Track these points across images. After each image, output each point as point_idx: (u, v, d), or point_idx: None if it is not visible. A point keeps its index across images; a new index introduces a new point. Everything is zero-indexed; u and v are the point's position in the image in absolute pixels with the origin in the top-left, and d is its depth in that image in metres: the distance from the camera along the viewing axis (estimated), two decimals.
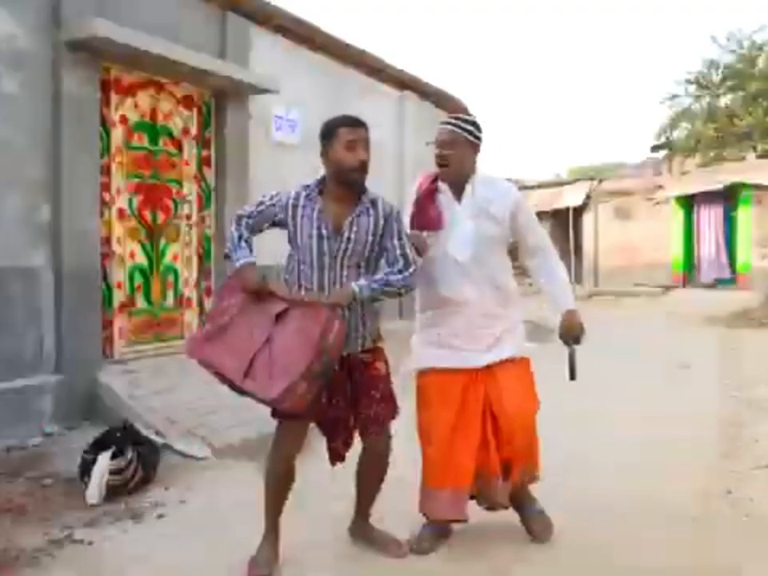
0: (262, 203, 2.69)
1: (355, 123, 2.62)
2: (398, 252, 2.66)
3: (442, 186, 2.87)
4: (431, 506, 2.87)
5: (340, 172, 2.61)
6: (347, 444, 2.80)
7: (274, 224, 2.69)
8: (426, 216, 2.84)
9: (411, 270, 2.66)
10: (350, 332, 2.60)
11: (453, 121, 2.83)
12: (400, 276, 2.63)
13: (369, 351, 2.73)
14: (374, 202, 2.68)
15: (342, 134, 2.59)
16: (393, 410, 2.77)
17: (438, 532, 2.94)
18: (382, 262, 2.69)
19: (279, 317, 2.47)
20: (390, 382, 2.78)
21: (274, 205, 2.67)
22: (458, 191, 2.86)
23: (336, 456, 2.82)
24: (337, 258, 2.60)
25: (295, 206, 2.64)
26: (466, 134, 2.79)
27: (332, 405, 2.66)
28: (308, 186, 2.69)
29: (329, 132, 2.63)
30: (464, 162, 2.81)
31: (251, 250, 2.62)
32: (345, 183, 2.63)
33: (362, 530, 2.94)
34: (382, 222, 2.66)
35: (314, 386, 2.41)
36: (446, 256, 2.83)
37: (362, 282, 2.57)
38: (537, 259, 2.94)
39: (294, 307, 2.48)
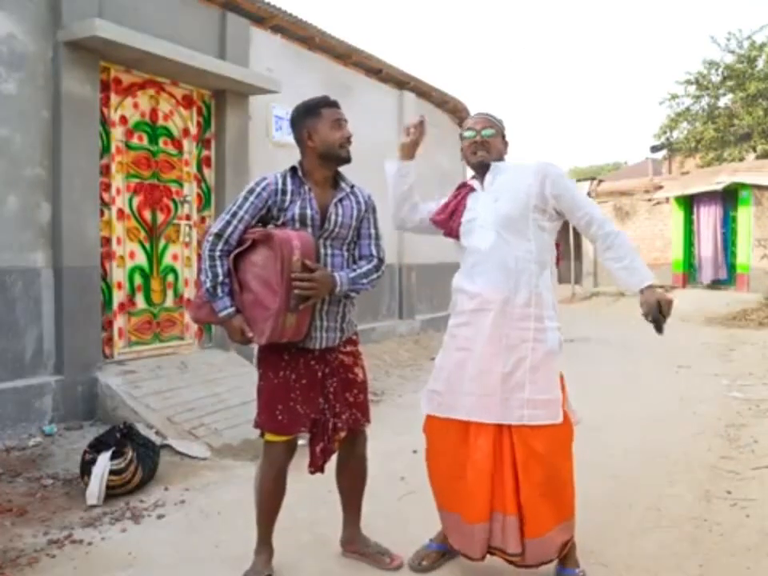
0: (246, 200, 2.57)
1: (335, 103, 2.69)
2: (373, 243, 2.73)
3: (475, 183, 2.75)
4: (444, 524, 2.75)
5: (329, 150, 2.61)
6: (325, 452, 2.64)
7: (260, 220, 2.59)
8: (448, 223, 2.76)
9: (383, 265, 2.74)
10: (328, 323, 2.59)
11: (488, 116, 2.76)
12: (375, 273, 2.69)
13: (349, 354, 2.69)
14: (352, 188, 2.73)
15: (326, 114, 2.64)
16: (366, 417, 2.73)
17: (441, 550, 2.81)
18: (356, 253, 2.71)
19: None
20: (365, 390, 2.75)
21: (263, 191, 2.59)
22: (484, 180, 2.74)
23: (314, 462, 2.66)
24: (321, 239, 2.58)
25: (284, 191, 2.60)
26: (497, 124, 2.74)
27: (310, 401, 2.58)
28: (289, 172, 2.66)
29: (310, 113, 2.65)
30: (500, 155, 2.74)
31: (231, 295, 2.52)
32: (334, 160, 2.64)
33: (352, 540, 2.84)
34: (363, 207, 2.72)
35: (303, 313, 2.44)
36: (471, 247, 2.66)
37: (343, 273, 2.56)
38: (591, 230, 2.58)
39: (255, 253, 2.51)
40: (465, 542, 2.59)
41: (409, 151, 2.88)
